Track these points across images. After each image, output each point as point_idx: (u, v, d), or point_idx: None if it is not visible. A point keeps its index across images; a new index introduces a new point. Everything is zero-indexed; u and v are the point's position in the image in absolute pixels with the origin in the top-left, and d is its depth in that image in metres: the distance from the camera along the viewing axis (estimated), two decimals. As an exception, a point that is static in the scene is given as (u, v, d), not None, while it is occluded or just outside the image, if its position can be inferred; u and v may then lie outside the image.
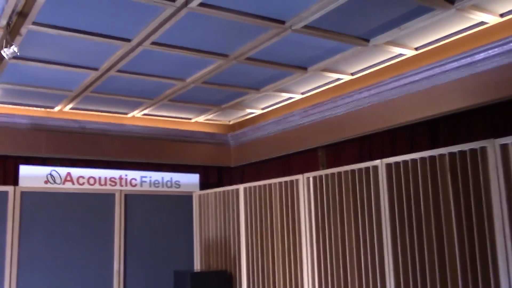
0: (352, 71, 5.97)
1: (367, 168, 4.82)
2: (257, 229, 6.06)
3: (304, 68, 5.77)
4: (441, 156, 4.22)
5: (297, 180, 5.59)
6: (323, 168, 6.59)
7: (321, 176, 5.31)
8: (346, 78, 6.14)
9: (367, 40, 5.00)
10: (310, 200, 5.41)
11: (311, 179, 5.43)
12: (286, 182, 5.73)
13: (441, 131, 5.34)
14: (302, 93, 6.81)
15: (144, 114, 7.60)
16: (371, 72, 5.92)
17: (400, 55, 5.45)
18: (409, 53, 5.37)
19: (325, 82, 6.37)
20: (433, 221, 4.20)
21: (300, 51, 5.26)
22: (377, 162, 4.73)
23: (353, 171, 4.97)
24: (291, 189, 5.65)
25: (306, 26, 4.57)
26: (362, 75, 6.02)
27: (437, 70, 5.22)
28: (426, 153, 4.34)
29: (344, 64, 5.71)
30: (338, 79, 6.22)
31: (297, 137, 7.09)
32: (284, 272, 5.66)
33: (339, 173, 5.10)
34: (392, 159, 4.61)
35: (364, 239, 4.79)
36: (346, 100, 6.24)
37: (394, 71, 5.64)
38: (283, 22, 4.51)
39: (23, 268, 6.00)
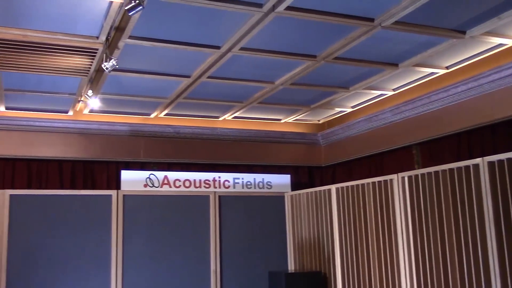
0: (447, 64, 5.71)
1: (467, 167, 4.57)
2: (351, 230, 5.97)
3: (395, 65, 5.59)
4: (551, 153, 3.91)
5: (391, 180, 5.43)
6: (418, 167, 6.35)
7: (417, 176, 5.11)
8: (440, 72, 5.88)
9: (463, 32, 4.75)
10: (406, 200, 5.23)
11: (406, 178, 5.25)
12: (379, 182, 5.59)
13: (549, 124, 4.96)
14: (394, 90, 6.61)
15: (235, 117, 7.75)
16: (468, 65, 5.62)
17: (500, 45, 5.13)
18: (510, 42, 5.04)
19: (418, 77, 6.14)
20: (544, 223, 3.91)
21: (390, 48, 5.10)
22: (478, 160, 4.48)
23: (451, 170, 4.73)
24: (385, 189, 5.49)
25: (396, 22, 4.43)
26: (458, 68, 5.74)
27: (542, 60, 4.85)
28: (533, 150, 4.05)
29: (438, 58, 5.47)
30: (432, 74, 5.98)
31: (390, 134, 6.89)
32: (381, 274, 5.53)
33: (437, 173, 4.88)
34: (495, 157, 4.34)
35: (466, 242, 4.54)
36: (442, 95, 5.97)
37: (493, 62, 5.32)
38: (372, 20, 4.40)
39: (127, 266, 6.36)
